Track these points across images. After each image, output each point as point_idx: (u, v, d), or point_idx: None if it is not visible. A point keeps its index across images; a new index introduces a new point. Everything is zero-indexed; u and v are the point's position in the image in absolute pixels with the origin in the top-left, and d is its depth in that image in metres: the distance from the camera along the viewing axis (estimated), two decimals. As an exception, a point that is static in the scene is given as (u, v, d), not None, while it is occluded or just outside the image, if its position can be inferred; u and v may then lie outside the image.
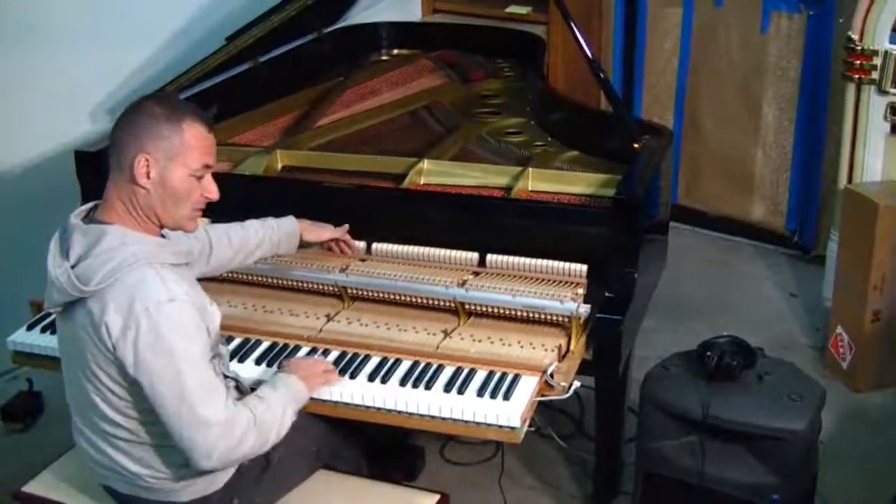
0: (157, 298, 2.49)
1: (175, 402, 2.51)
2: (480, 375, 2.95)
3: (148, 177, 2.55)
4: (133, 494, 2.77)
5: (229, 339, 3.14)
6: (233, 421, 2.56)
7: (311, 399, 2.94)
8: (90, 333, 2.53)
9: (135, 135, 2.54)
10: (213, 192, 2.66)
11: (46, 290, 2.63)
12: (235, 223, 3.21)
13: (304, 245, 3.33)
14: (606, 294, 3.12)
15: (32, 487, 3.05)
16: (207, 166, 2.63)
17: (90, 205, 2.67)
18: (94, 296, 2.51)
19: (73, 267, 2.52)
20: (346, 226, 3.34)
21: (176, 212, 2.63)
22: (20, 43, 4.47)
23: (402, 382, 2.95)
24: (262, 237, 3.21)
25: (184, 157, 2.57)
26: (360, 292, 3.26)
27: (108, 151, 2.62)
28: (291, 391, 2.78)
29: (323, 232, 3.32)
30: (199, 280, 2.88)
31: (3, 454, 4.19)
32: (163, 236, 2.72)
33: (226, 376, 2.79)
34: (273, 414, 2.67)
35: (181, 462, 2.64)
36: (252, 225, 3.22)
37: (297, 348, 3.11)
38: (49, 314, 3.31)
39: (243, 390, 2.86)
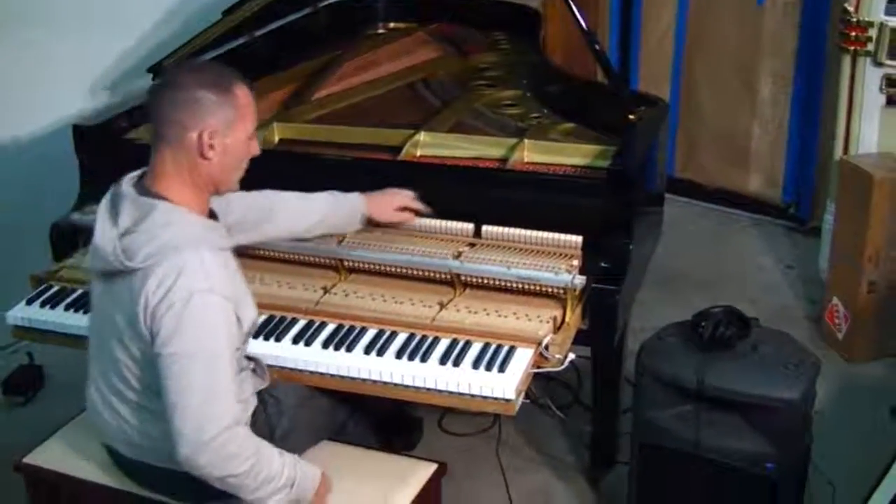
0: (196, 286, 2.51)
1: (184, 389, 2.51)
2: (476, 347, 2.96)
3: (213, 149, 2.59)
4: (138, 459, 2.80)
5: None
6: (234, 434, 2.55)
7: (308, 373, 2.98)
8: (126, 305, 2.56)
9: (189, 110, 2.57)
10: (257, 148, 2.74)
11: (91, 253, 2.67)
12: (298, 193, 3.19)
13: (371, 223, 3.31)
14: (602, 265, 3.13)
15: (33, 458, 3.07)
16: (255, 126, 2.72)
17: (141, 171, 2.68)
18: (136, 272, 2.53)
19: (119, 237, 2.55)
20: (410, 193, 3.33)
21: (234, 176, 2.72)
22: (18, 19, 4.48)
23: (398, 355, 2.96)
24: (327, 211, 3.22)
25: (241, 122, 2.64)
26: (356, 264, 3.27)
27: (156, 125, 2.62)
28: (300, 482, 2.72)
29: (391, 210, 3.30)
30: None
31: (5, 427, 4.22)
32: (213, 215, 2.77)
33: (248, 357, 2.83)
34: (272, 471, 2.64)
35: None
36: (318, 196, 3.21)
37: (294, 321, 3.13)
38: (49, 288, 3.34)
39: (260, 374, 2.89)
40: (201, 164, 2.61)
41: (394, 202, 3.31)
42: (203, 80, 2.59)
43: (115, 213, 2.61)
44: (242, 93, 2.64)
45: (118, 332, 2.62)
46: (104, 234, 2.59)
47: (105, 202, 2.67)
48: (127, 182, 2.65)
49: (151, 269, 2.51)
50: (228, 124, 2.61)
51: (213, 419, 2.51)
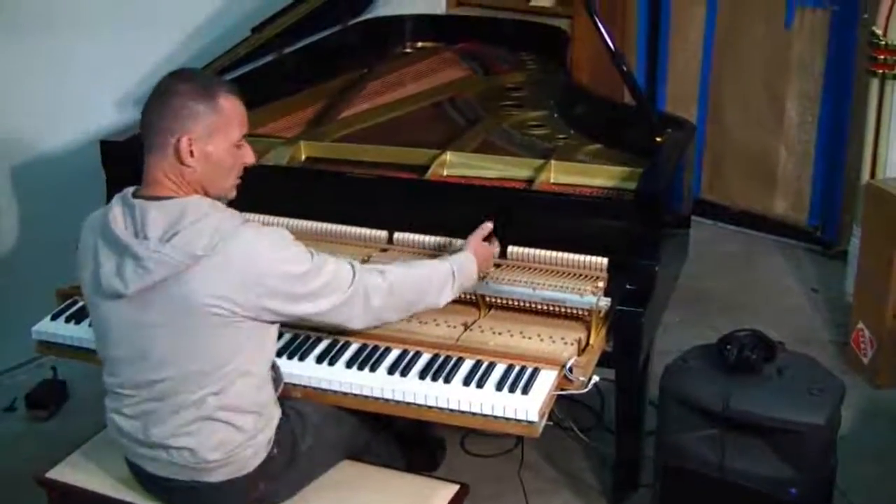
0: (268, 253, 2.60)
1: (325, 290, 2.73)
2: (499, 369, 2.94)
3: (192, 155, 2.61)
4: (163, 475, 2.78)
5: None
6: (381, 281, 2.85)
7: (332, 393, 2.96)
8: (208, 304, 2.55)
9: (173, 116, 2.60)
10: (250, 157, 2.77)
11: (133, 270, 2.57)
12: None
13: None
14: (627, 286, 3.11)
15: (56, 473, 3.07)
16: (245, 135, 2.73)
17: (133, 188, 2.69)
18: (202, 264, 2.53)
19: (162, 244, 2.54)
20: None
21: (223, 183, 2.72)
22: (47, 31, 4.50)
23: (422, 375, 2.94)
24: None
25: (224, 131, 2.66)
26: (381, 284, 3.26)
27: (144, 133, 2.67)
28: (464, 271, 3.03)
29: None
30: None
31: (28, 441, 4.23)
32: None
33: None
34: (428, 283, 2.96)
35: (236, 441, 2.70)
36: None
37: (318, 340, 3.11)
38: (73, 304, 3.35)
39: (278, 376, 2.89)
40: (184, 170, 2.63)
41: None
42: (186, 88, 2.62)
43: (138, 229, 2.59)
44: (228, 102, 2.66)
45: (196, 339, 2.61)
46: (143, 250, 2.54)
47: (118, 226, 2.62)
48: (130, 199, 2.65)
49: (215, 259, 2.53)
50: (209, 132, 2.63)
51: (368, 286, 2.81)
